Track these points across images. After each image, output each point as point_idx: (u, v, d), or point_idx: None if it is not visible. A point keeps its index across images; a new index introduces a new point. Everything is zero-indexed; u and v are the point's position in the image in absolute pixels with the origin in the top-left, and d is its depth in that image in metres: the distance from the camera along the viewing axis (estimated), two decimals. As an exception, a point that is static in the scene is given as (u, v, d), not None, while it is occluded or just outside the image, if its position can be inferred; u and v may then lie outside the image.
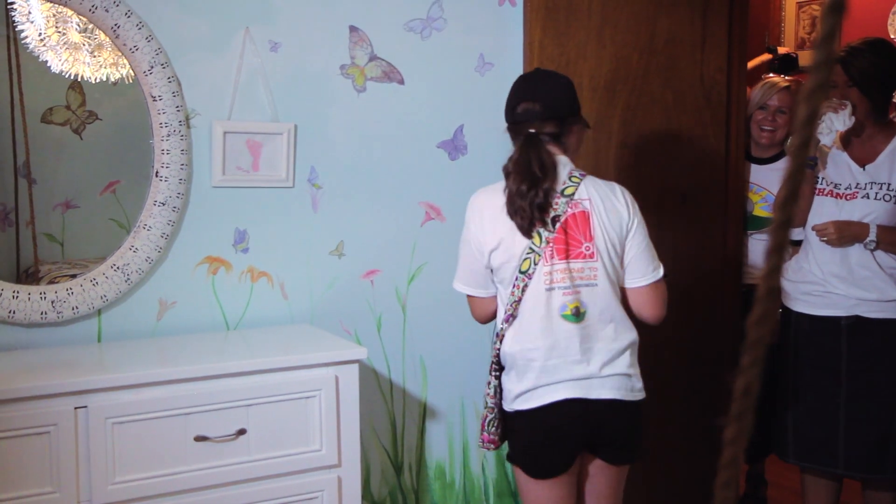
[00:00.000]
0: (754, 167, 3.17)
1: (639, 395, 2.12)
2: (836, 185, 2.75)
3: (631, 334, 2.13)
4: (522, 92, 2.14)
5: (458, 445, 2.88)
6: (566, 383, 2.08)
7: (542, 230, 2.07)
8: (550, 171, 2.08)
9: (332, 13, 2.61)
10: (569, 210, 2.09)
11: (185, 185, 2.41)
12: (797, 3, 4.44)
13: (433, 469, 2.83)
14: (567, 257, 2.08)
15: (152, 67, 2.34)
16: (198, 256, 2.47)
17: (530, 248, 2.08)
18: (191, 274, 2.47)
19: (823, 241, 2.69)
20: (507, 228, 2.09)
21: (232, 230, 2.51)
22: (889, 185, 2.69)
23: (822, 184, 2.80)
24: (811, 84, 0.69)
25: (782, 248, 0.73)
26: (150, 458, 2.02)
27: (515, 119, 2.14)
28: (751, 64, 3.82)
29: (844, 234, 2.66)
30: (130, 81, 2.35)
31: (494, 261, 2.12)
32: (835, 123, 2.60)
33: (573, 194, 2.10)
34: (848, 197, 2.73)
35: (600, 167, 2.89)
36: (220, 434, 2.08)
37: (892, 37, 4.02)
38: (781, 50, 3.84)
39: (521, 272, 2.08)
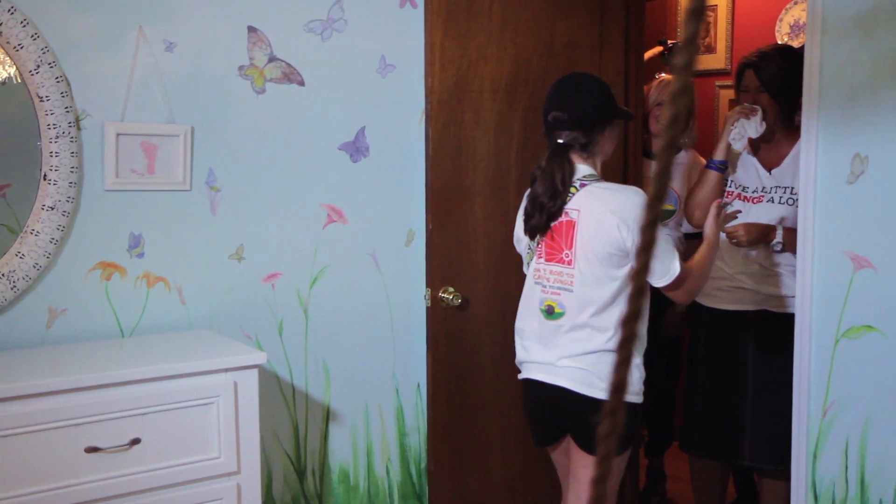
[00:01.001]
0: (654, 163, 3.24)
1: (602, 394, 2.21)
2: (743, 188, 2.84)
3: (611, 343, 2.24)
4: (554, 99, 2.31)
5: (362, 448, 2.87)
6: (536, 365, 2.35)
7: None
8: (569, 184, 2.28)
9: (230, 13, 2.57)
10: (559, 218, 2.28)
11: (76, 188, 2.33)
12: (692, 8, 4.59)
13: (337, 473, 2.81)
14: (550, 260, 2.31)
15: (38, 66, 2.26)
16: (90, 262, 2.40)
17: (529, 246, 2.38)
18: (83, 280, 2.39)
19: (734, 243, 2.76)
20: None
21: (126, 235, 2.45)
22: (792, 188, 2.79)
23: (730, 186, 2.87)
24: (675, 87, 0.70)
25: (650, 246, 0.76)
26: (39, 471, 1.95)
27: (547, 127, 2.33)
28: (645, 56, 3.91)
29: (753, 237, 2.75)
30: (19, 81, 2.26)
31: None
32: (747, 130, 2.67)
33: (566, 203, 2.27)
34: (754, 200, 2.81)
35: (501, 169, 2.92)
36: (112, 444, 2.03)
37: (778, 42, 4.14)
38: (671, 41, 3.96)
39: (526, 262, 2.41)
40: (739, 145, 2.73)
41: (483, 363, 2.94)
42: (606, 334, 2.26)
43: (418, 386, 2.94)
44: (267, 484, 2.68)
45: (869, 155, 2.46)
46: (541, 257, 2.33)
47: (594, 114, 2.27)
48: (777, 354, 2.80)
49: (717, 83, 4.55)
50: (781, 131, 2.86)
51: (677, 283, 2.29)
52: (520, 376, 2.43)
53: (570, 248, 2.27)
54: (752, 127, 2.61)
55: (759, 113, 2.62)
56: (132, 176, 2.42)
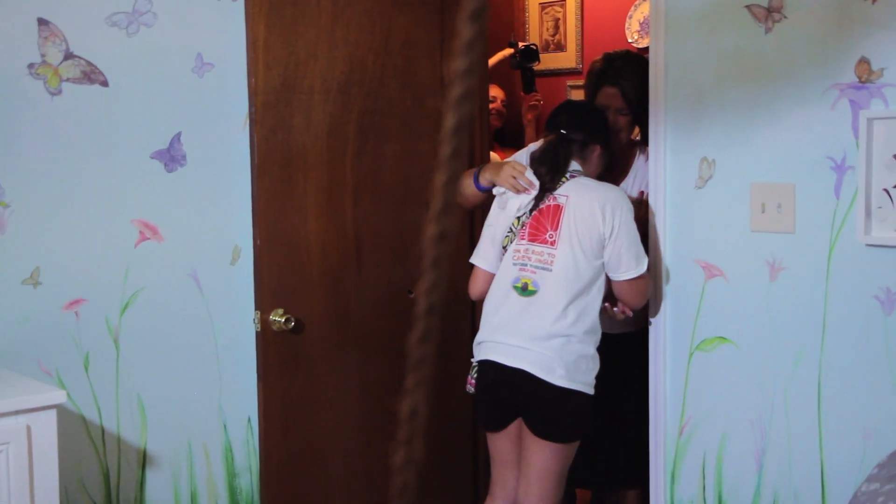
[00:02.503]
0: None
1: (560, 381, 2.54)
2: None
3: (575, 329, 2.56)
4: (564, 109, 2.82)
5: (185, 494, 2.81)
6: (497, 345, 2.61)
7: (522, 214, 2.64)
8: (564, 171, 2.66)
9: (16, 3, 2.48)
10: (547, 202, 2.63)
11: None
12: (540, 4, 4.72)
13: (155, 523, 2.75)
14: (532, 240, 2.62)
15: None
16: None
17: (510, 229, 2.66)
18: None
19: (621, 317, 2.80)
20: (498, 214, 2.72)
21: None
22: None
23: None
24: (456, 93, 0.77)
25: (441, 262, 0.78)
26: None
27: (548, 125, 2.79)
28: (493, 60, 4.04)
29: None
30: None
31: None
32: (508, 202, 2.70)
33: (555, 189, 2.63)
34: None
35: (336, 177, 2.93)
36: None
37: (629, 41, 4.35)
38: (522, 43, 4.05)
39: (502, 247, 2.67)
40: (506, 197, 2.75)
41: (322, 392, 2.94)
42: (571, 318, 2.56)
43: (249, 420, 2.91)
44: (72, 541, 2.58)
45: (716, 159, 2.58)
46: (523, 238, 2.63)
47: (601, 127, 2.77)
48: (617, 376, 2.91)
49: (568, 83, 4.68)
50: (622, 149, 3.00)
51: (633, 282, 2.59)
52: (477, 357, 2.67)
53: (556, 229, 2.60)
54: (516, 204, 2.67)
55: (533, 193, 2.65)
56: None
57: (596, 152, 2.76)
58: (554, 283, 2.59)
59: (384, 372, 2.98)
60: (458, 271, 2.81)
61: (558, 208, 2.63)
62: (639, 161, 3.00)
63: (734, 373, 2.58)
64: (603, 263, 2.61)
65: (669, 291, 2.72)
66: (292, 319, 2.83)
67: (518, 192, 2.69)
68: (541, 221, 2.64)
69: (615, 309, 2.67)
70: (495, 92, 4.17)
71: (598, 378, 2.65)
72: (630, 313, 2.69)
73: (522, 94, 4.06)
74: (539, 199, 2.66)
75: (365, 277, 3.00)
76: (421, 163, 3.07)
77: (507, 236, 2.68)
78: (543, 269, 2.60)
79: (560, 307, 2.58)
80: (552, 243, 2.61)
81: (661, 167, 2.69)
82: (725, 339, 2.60)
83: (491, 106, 3.96)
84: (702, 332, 2.65)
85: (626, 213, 2.62)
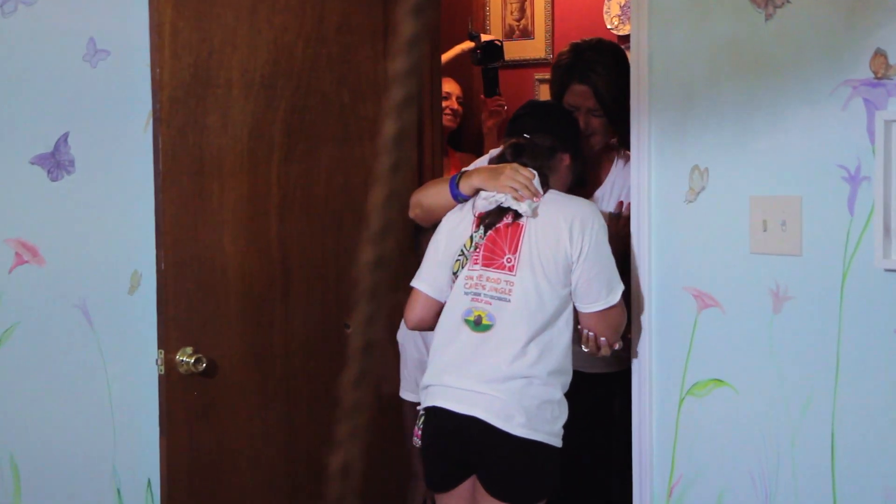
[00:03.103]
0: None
1: (520, 430, 2.54)
2: None
3: (538, 369, 2.56)
4: (528, 110, 2.87)
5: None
6: (446, 389, 2.62)
7: (475, 234, 2.65)
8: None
9: None
10: (504, 219, 2.62)
11: None
12: (503, -17, 4.77)
13: None
14: (487, 266, 2.62)
15: None
16: None
17: (461, 251, 2.66)
18: None
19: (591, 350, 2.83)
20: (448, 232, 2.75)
21: None
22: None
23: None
24: (397, 98, 0.78)
25: (379, 292, 0.78)
26: None
27: (509, 129, 2.84)
28: (449, 54, 4.06)
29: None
30: None
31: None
32: (511, 206, 2.68)
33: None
34: None
35: (259, 188, 2.94)
36: None
37: (608, 27, 4.41)
38: (485, 37, 4.09)
39: (453, 273, 2.67)
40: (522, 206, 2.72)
41: (239, 447, 2.92)
42: (533, 357, 2.57)
43: (149, 483, 2.86)
44: None
45: (709, 167, 2.58)
46: (476, 263, 2.64)
47: (570, 132, 2.80)
48: (587, 419, 2.92)
49: (536, 76, 4.70)
50: (600, 154, 3.05)
51: (604, 314, 2.63)
52: (423, 404, 2.68)
53: (515, 252, 2.62)
54: (522, 207, 2.66)
55: (538, 200, 2.65)
56: None
57: (564, 162, 2.78)
58: (512, 315, 2.60)
59: (314, 421, 2.97)
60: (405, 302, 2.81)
61: (517, 227, 2.64)
62: (617, 166, 3.03)
63: (732, 421, 2.57)
64: (571, 292, 2.64)
65: (655, 325, 2.72)
66: (204, 360, 2.80)
67: (521, 200, 2.63)
68: (497, 243, 2.64)
69: (602, 339, 2.66)
70: (450, 87, 4.19)
71: (569, 427, 2.65)
72: (616, 345, 2.69)
73: (483, 97, 4.10)
74: (495, 216, 2.66)
75: (293, 309, 2.99)
76: (361, 171, 3.08)
77: (457, 260, 2.68)
78: (500, 299, 2.61)
79: (520, 343, 2.59)
80: (510, 269, 2.62)
81: (645, 178, 2.69)
82: (722, 382, 2.59)
83: (444, 104, 3.98)
84: (694, 373, 2.64)
85: (598, 233, 2.63)
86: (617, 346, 2.72)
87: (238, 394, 2.91)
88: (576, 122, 2.88)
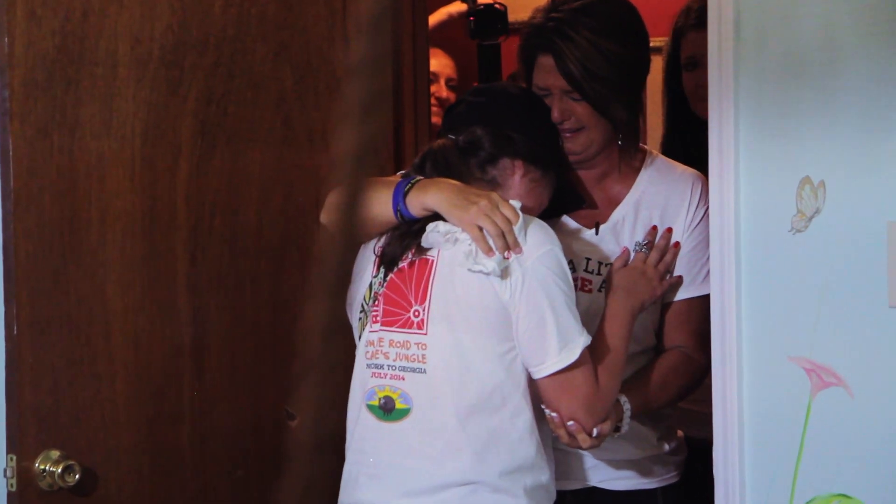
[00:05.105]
0: None
1: None
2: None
3: (484, 470, 2.43)
4: (468, 96, 2.82)
5: None
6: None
7: (374, 279, 2.55)
8: None
9: None
10: (409, 255, 2.52)
11: None
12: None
13: None
14: (389, 324, 2.51)
15: None
16: None
17: (361, 307, 2.56)
18: None
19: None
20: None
21: None
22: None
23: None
24: (358, 97, 0.79)
25: (330, 363, 0.87)
26: None
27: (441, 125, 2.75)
28: (436, 17, 4.13)
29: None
30: None
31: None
32: (477, 260, 2.58)
33: (420, 236, 2.52)
34: (582, 287, 2.84)
35: (159, 213, 2.82)
36: None
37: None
38: None
39: (358, 338, 2.58)
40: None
41: None
42: (472, 451, 2.44)
43: None
44: None
45: (827, 180, 2.44)
46: (376, 321, 2.54)
47: (527, 127, 2.68)
48: None
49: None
50: (610, 158, 2.91)
51: (560, 379, 2.48)
52: None
53: (423, 302, 2.49)
54: (488, 266, 2.54)
55: (510, 258, 2.53)
56: None
57: (516, 172, 2.64)
58: (431, 391, 2.47)
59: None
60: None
61: (425, 265, 2.51)
62: (645, 176, 2.96)
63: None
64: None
65: (748, 414, 2.57)
66: (76, 469, 2.67)
67: (490, 253, 2.46)
68: (400, 290, 2.52)
69: (570, 423, 2.53)
70: (437, 64, 4.18)
71: None
72: (598, 429, 2.56)
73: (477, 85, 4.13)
74: (396, 246, 2.56)
75: (210, 392, 2.92)
76: (311, 186, 3.00)
77: (359, 319, 2.59)
78: (413, 370, 2.49)
79: (449, 432, 2.46)
80: (419, 325, 2.50)
81: (730, 196, 2.54)
82: (849, 499, 2.43)
83: (433, 89, 3.99)
84: (808, 483, 2.48)
85: (546, 265, 2.48)
86: (598, 432, 2.57)
87: (128, 516, 2.82)
88: (544, 112, 2.73)
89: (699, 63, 3.13)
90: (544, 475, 2.52)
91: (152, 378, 2.82)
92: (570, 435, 2.52)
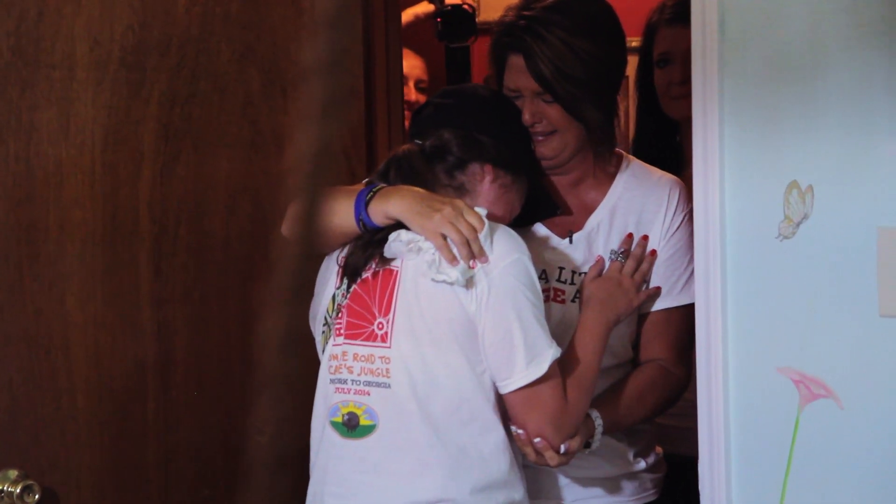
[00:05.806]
0: None
1: None
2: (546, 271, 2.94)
3: (453, 487, 2.41)
4: (435, 99, 2.78)
5: None
6: None
7: (337, 291, 2.54)
8: None
9: None
10: (373, 265, 2.51)
11: None
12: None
13: None
14: (352, 337, 2.50)
15: None
16: None
17: (325, 320, 2.54)
18: None
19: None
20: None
21: None
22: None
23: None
24: (319, 99, 0.80)
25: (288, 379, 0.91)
26: None
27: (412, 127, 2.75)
28: (407, 15, 4.03)
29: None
30: None
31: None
32: (441, 270, 2.58)
33: (383, 245, 2.51)
34: (555, 298, 2.82)
35: (122, 222, 2.81)
36: None
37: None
38: (451, 0, 4.07)
39: (321, 349, 2.56)
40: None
41: None
42: (443, 470, 2.43)
43: None
44: None
45: (814, 185, 2.42)
46: (340, 334, 2.52)
47: (497, 130, 2.65)
48: None
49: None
50: (585, 162, 2.89)
51: (526, 394, 2.46)
52: None
53: (387, 314, 2.49)
54: (452, 275, 2.54)
55: (475, 267, 2.53)
56: None
57: (485, 178, 2.62)
58: (397, 407, 2.46)
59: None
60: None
61: (390, 276, 2.51)
62: (620, 181, 2.92)
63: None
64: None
65: (734, 428, 2.53)
66: (36, 489, 2.67)
67: (454, 262, 2.46)
68: (364, 302, 2.52)
69: (536, 440, 2.51)
70: (410, 65, 4.10)
71: None
72: (572, 446, 2.55)
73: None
74: (359, 257, 2.55)
75: (176, 409, 2.91)
76: (281, 195, 2.94)
77: (322, 332, 2.58)
78: (377, 385, 2.48)
79: (418, 449, 2.45)
80: (382, 338, 2.49)
81: (715, 201, 2.50)
82: None
83: (405, 90, 3.92)
84: (797, 498, 2.46)
85: (514, 275, 2.47)
86: (566, 449, 2.56)
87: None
88: (515, 114, 2.70)
89: (672, 60, 3.17)
90: (517, 493, 2.51)
91: (115, 394, 2.82)
92: (538, 452, 2.51)
